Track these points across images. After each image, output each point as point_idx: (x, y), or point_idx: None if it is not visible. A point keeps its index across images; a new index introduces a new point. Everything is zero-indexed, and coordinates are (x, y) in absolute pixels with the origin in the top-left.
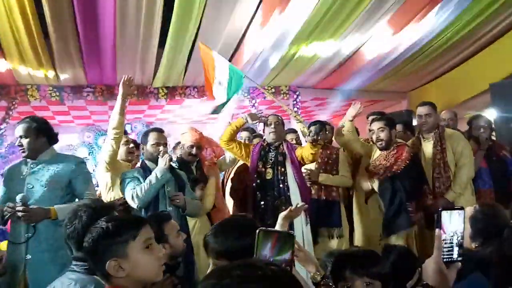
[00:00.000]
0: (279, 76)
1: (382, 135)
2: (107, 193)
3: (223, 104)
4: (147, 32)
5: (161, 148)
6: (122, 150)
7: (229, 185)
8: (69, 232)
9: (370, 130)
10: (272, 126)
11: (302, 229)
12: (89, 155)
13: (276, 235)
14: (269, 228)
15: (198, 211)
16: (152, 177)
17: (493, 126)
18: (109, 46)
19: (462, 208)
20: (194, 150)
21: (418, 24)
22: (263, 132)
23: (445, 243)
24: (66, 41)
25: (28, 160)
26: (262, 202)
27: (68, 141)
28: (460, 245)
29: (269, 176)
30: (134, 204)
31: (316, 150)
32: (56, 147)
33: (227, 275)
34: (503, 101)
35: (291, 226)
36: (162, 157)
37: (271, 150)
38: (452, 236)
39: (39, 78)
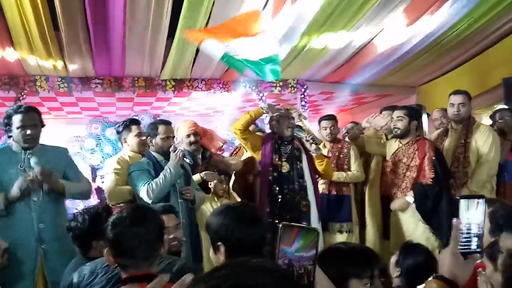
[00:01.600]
0: (287, 69)
1: (400, 124)
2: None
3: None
4: (156, 24)
5: (170, 141)
6: (135, 142)
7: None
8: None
9: (391, 119)
10: (291, 121)
11: (316, 225)
12: (96, 146)
13: (297, 229)
14: (292, 223)
15: (202, 203)
16: (166, 173)
17: None
18: (118, 38)
19: (482, 197)
20: (192, 138)
21: (431, 17)
22: (273, 125)
23: (463, 233)
24: (75, 32)
25: (21, 150)
26: (280, 196)
27: (76, 132)
28: (478, 236)
29: (285, 170)
30: (148, 198)
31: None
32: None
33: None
34: None
35: (308, 222)
36: (174, 152)
37: (285, 143)
38: (470, 226)
39: (47, 69)
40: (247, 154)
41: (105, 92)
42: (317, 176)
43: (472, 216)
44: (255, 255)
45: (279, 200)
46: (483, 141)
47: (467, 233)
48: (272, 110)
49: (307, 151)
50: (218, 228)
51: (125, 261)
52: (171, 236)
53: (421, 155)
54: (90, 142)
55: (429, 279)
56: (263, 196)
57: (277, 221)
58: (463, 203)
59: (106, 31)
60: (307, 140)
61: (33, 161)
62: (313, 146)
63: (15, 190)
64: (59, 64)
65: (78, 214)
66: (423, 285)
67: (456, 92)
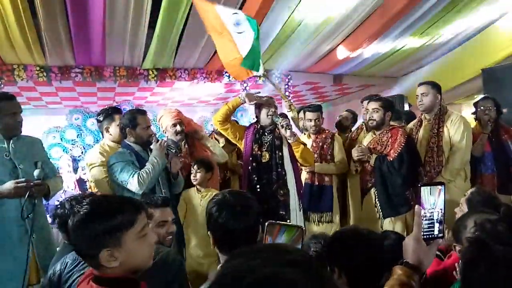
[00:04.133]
0: (271, 59)
1: (376, 115)
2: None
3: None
4: (137, 12)
5: (149, 131)
6: (117, 132)
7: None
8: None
9: (365, 110)
10: (271, 109)
11: (296, 214)
12: (77, 137)
13: (278, 227)
14: (277, 221)
15: (179, 180)
16: (153, 163)
17: (503, 110)
18: (98, 26)
19: (442, 184)
20: (178, 127)
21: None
22: (256, 114)
23: (425, 220)
24: (54, 19)
25: (3, 139)
26: (258, 186)
27: (56, 123)
28: (440, 222)
29: (265, 159)
30: (139, 189)
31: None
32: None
33: (256, 256)
34: (495, 86)
35: (286, 211)
36: (156, 142)
37: (266, 133)
38: (432, 212)
39: (26, 58)
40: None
41: (86, 81)
42: (299, 164)
43: (434, 202)
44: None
45: (258, 190)
46: (455, 130)
47: (430, 219)
48: (250, 99)
49: (287, 139)
50: (207, 218)
51: None
52: (170, 230)
53: (393, 142)
54: (71, 133)
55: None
56: (243, 187)
57: None
58: (424, 190)
59: (86, 19)
60: (282, 126)
61: (36, 172)
62: (288, 132)
63: (4, 193)
64: (38, 53)
65: (65, 202)
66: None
67: (419, 84)
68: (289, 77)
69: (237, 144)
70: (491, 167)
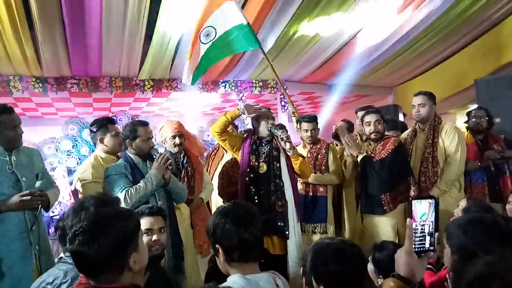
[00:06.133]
0: (267, 69)
1: (380, 127)
2: None
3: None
4: (133, 23)
5: (150, 143)
6: (112, 143)
7: (215, 182)
8: (72, 223)
9: (366, 123)
10: (270, 121)
11: (294, 225)
12: (72, 148)
13: None
14: None
15: (181, 192)
16: (147, 181)
17: (494, 120)
18: (95, 37)
19: (432, 197)
20: (177, 140)
21: (405, 19)
22: (254, 125)
23: (416, 233)
24: (51, 31)
25: (4, 151)
26: (256, 197)
27: (52, 133)
28: (431, 235)
29: (262, 170)
30: (125, 205)
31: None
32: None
33: None
34: (488, 96)
35: (285, 222)
36: (158, 159)
37: (263, 144)
38: (423, 225)
39: (22, 69)
40: (227, 155)
41: (82, 92)
42: (296, 175)
43: (424, 215)
44: (255, 255)
45: (256, 201)
46: (450, 141)
47: (421, 232)
48: (249, 111)
49: (285, 150)
50: (213, 230)
51: None
52: (154, 238)
53: (383, 148)
54: (66, 144)
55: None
56: (240, 198)
57: None
58: (415, 203)
59: (83, 30)
60: (282, 139)
61: (38, 184)
62: (288, 144)
63: (11, 207)
64: (34, 64)
65: (69, 214)
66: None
67: (416, 94)
68: (284, 87)
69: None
70: (481, 177)
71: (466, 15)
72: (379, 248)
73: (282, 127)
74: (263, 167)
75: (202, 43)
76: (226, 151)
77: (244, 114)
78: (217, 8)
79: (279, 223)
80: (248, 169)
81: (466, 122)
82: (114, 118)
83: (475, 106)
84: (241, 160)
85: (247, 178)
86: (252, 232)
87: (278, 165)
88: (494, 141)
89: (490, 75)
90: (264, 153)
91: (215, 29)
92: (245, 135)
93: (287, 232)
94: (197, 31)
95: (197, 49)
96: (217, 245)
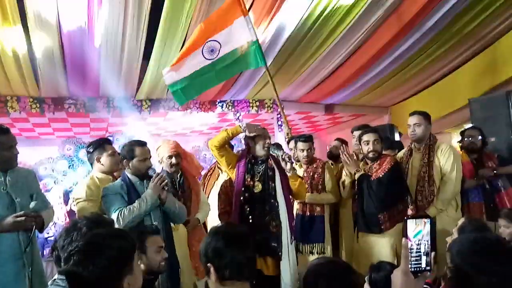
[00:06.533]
0: (264, 89)
1: (378, 146)
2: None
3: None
4: (132, 44)
5: (148, 163)
6: (108, 162)
7: (211, 202)
8: (63, 244)
9: (364, 142)
10: (267, 140)
11: (287, 246)
12: (69, 168)
13: None
14: None
15: (180, 212)
16: (142, 202)
17: (488, 139)
18: (93, 57)
19: (427, 216)
20: (174, 160)
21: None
22: (249, 144)
23: (412, 252)
24: (49, 52)
25: None
26: (250, 217)
27: (48, 153)
28: (427, 254)
29: (257, 190)
30: (117, 225)
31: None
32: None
33: None
34: (482, 116)
35: (278, 243)
36: (154, 181)
37: (259, 163)
38: (419, 244)
39: (19, 90)
40: (222, 175)
41: (79, 112)
42: (290, 196)
43: (420, 235)
44: (246, 274)
45: (250, 221)
46: (445, 160)
47: (417, 252)
48: (250, 129)
49: (281, 171)
50: (205, 251)
51: None
52: (164, 256)
53: (379, 168)
54: (62, 164)
55: None
56: (235, 217)
57: None
58: (410, 223)
59: (81, 50)
60: (283, 159)
61: (32, 205)
62: (289, 165)
63: (5, 228)
64: (32, 84)
65: (63, 234)
66: None
67: (411, 114)
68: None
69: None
70: (478, 195)
71: (460, 36)
72: (376, 268)
73: (279, 146)
74: (258, 187)
75: (204, 57)
76: (221, 171)
77: (245, 132)
78: (229, 25)
79: (273, 244)
80: (243, 188)
81: (460, 142)
82: (111, 138)
83: (469, 125)
84: (235, 179)
85: (241, 198)
86: (244, 251)
87: (273, 185)
88: (488, 159)
89: (484, 94)
90: (259, 173)
91: (220, 45)
92: (240, 154)
93: (280, 253)
94: (199, 38)
95: (197, 59)
96: (208, 264)
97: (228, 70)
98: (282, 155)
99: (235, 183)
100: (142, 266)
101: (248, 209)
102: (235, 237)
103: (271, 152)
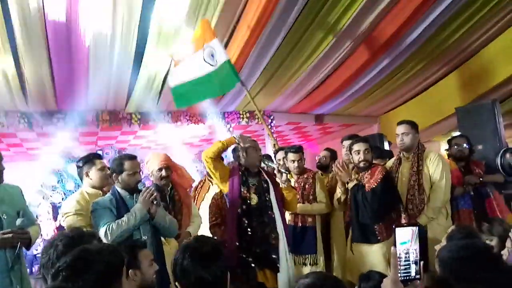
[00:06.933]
0: (254, 100)
1: (369, 156)
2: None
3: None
4: (121, 57)
5: (137, 177)
6: (98, 177)
7: (205, 216)
8: (43, 262)
9: (355, 151)
10: (259, 152)
11: (285, 257)
12: (58, 183)
13: None
14: None
15: (171, 226)
16: (131, 216)
17: (475, 146)
18: (82, 70)
19: (415, 225)
20: (164, 172)
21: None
22: (241, 156)
23: (401, 261)
24: (38, 66)
25: None
26: (249, 229)
27: (37, 168)
28: (416, 263)
29: (253, 202)
30: (105, 240)
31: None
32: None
33: None
34: (469, 124)
35: (277, 255)
36: (144, 195)
37: (252, 175)
38: (407, 253)
39: (7, 104)
40: (213, 188)
41: (68, 127)
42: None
43: (409, 243)
44: None
45: (249, 233)
46: (434, 169)
47: (406, 260)
48: (243, 141)
49: (273, 183)
50: (173, 268)
51: None
52: (145, 273)
53: (371, 178)
54: (51, 178)
55: None
56: (231, 230)
57: (245, 256)
58: (398, 231)
59: (69, 63)
60: (279, 171)
61: (19, 222)
62: (284, 176)
63: None
64: (20, 98)
65: (50, 247)
66: None
67: (399, 123)
68: (271, 118)
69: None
70: (467, 202)
71: (444, 46)
72: (365, 278)
73: (269, 157)
74: (254, 199)
75: (205, 61)
76: (212, 183)
77: (239, 143)
78: (208, 42)
79: (273, 256)
80: (240, 201)
81: (447, 150)
82: (101, 151)
83: (457, 133)
84: (230, 192)
85: (239, 210)
86: (211, 270)
87: (268, 197)
88: (476, 167)
89: (471, 103)
90: (254, 185)
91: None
92: (231, 166)
93: (278, 265)
94: (200, 37)
95: (198, 62)
96: (176, 283)
97: (213, 89)
98: (277, 167)
99: (230, 195)
100: (136, 281)
101: (246, 221)
102: (202, 255)
103: (263, 164)
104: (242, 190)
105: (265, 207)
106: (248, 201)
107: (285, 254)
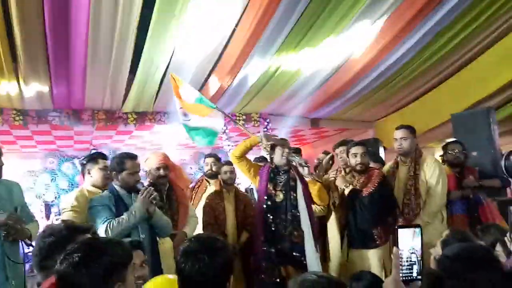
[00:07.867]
0: (250, 103)
1: (366, 159)
2: None
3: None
4: (119, 57)
5: (137, 176)
6: (99, 175)
7: (199, 214)
8: (38, 249)
9: (352, 154)
10: (286, 149)
11: (313, 254)
12: (51, 181)
13: None
14: None
15: (166, 226)
16: (130, 214)
17: (470, 153)
18: (79, 69)
19: (417, 226)
20: (162, 171)
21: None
22: (270, 155)
23: (403, 261)
24: (34, 63)
25: None
26: (273, 225)
27: (30, 167)
28: (418, 263)
29: (278, 199)
30: (105, 236)
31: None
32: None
33: None
34: (464, 130)
35: (302, 253)
36: (142, 194)
37: (281, 173)
38: (410, 253)
39: (3, 102)
40: (210, 188)
41: (63, 125)
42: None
43: (410, 244)
44: None
45: (273, 229)
46: (431, 173)
47: (407, 260)
48: (267, 139)
49: (302, 181)
50: (176, 266)
51: None
52: (137, 275)
53: (368, 182)
54: (44, 177)
55: None
56: (258, 225)
57: (272, 250)
58: (401, 232)
59: (66, 62)
60: (300, 164)
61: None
62: (306, 169)
63: None
64: (15, 96)
65: (46, 240)
66: None
67: (398, 128)
68: (267, 121)
69: (251, 180)
70: (461, 207)
71: (442, 53)
72: (356, 278)
73: (297, 151)
74: (280, 196)
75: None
76: (209, 183)
77: (262, 142)
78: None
79: (295, 253)
80: (265, 197)
81: (442, 156)
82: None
83: (452, 139)
84: (258, 187)
85: (264, 206)
86: (193, 267)
87: (294, 195)
88: (470, 173)
89: (466, 110)
90: (281, 182)
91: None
92: (262, 164)
93: (304, 262)
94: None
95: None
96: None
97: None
98: (298, 161)
99: (258, 191)
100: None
101: (271, 217)
102: (204, 253)
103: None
104: (268, 186)
105: (290, 205)
106: (273, 198)
107: (314, 253)
